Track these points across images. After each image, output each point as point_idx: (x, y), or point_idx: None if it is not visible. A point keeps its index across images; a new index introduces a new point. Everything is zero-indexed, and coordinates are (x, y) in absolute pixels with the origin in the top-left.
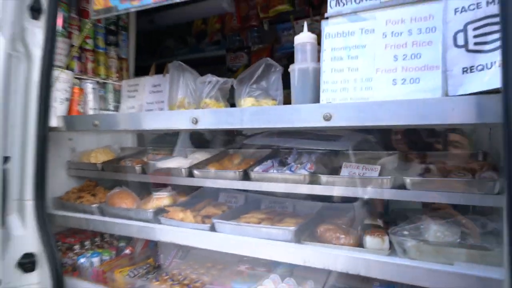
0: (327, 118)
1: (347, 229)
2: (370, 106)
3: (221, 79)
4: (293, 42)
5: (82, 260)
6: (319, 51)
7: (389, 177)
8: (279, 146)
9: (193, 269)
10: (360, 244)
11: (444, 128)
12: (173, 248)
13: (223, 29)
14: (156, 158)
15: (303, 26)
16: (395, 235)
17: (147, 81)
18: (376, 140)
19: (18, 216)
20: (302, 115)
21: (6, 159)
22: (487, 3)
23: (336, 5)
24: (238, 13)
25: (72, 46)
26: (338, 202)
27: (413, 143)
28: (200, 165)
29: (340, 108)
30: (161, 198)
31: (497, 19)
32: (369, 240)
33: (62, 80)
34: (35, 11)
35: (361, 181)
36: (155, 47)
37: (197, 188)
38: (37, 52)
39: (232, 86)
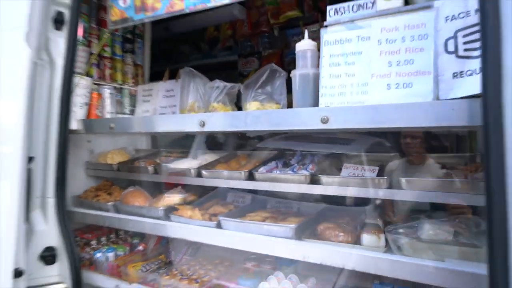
0: (325, 121)
1: (346, 228)
2: (364, 110)
3: (229, 84)
4: None
5: (98, 254)
6: (319, 57)
7: (385, 177)
8: (291, 149)
9: (201, 265)
10: (358, 241)
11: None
12: (184, 245)
13: (235, 35)
14: (168, 159)
15: (312, 31)
16: (390, 233)
17: (161, 86)
18: (390, 144)
19: (41, 212)
20: (301, 118)
21: (30, 159)
22: (476, 11)
23: (334, 14)
24: (249, 20)
25: (91, 54)
26: (342, 203)
27: (430, 146)
28: (209, 166)
29: (336, 112)
30: (172, 197)
31: None
32: (366, 237)
33: (82, 86)
34: (58, 23)
35: (359, 181)
36: (170, 53)
37: (206, 187)
38: (60, 60)
39: (239, 90)
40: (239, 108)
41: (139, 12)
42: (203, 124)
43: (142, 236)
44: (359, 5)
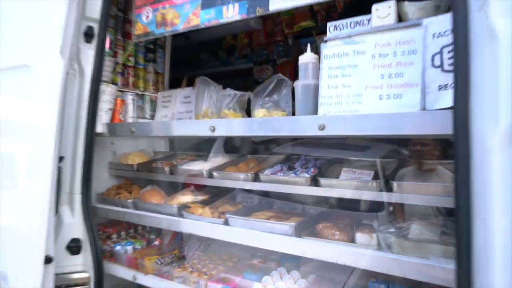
0: (321, 128)
1: (343, 227)
2: (357, 118)
3: (239, 93)
4: None
5: (118, 247)
6: (319, 69)
7: (379, 180)
8: (306, 155)
9: (211, 260)
10: (352, 240)
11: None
12: (196, 242)
13: (251, 44)
14: (183, 161)
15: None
16: (381, 232)
17: (179, 93)
18: (406, 151)
19: (68, 207)
20: (300, 125)
21: (61, 159)
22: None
23: (334, 30)
24: (265, 29)
25: (116, 63)
26: (345, 206)
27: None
28: (219, 168)
29: (332, 120)
30: (185, 196)
31: None
32: (359, 236)
33: (107, 93)
34: (88, 36)
35: (354, 184)
36: (190, 60)
37: (217, 187)
38: (88, 69)
39: (249, 98)
40: (249, 114)
41: (159, 27)
42: (213, 129)
43: (158, 232)
44: (356, 22)
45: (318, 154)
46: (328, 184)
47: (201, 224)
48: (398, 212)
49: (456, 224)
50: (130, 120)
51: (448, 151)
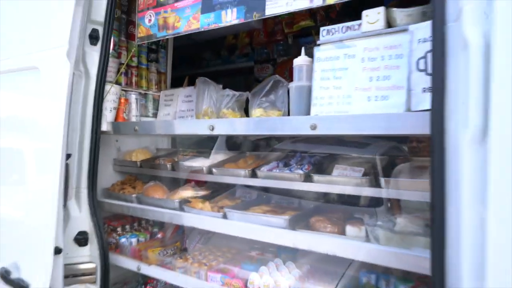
0: (313, 127)
1: (335, 221)
2: (346, 119)
3: (237, 93)
4: None
5: (123, 240)
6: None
7: (367, 177)
8: (302, 152)
9: (211, 252)
10: (343, 232)
11: None
12: (197, 235)
13: (252, 43)
14: (185, 158)
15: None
16: (369, 225)
17: (181, 92)
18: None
19: (76, 201)
20: (293, 125)
21: (68, 156)
22: None
23: (326, 34)
24: (265, 29)
25: (120, 64)
26: (340, 201)
27: None
28: (219, 164)
29: (323, 120)
30: (186, 191)
31: None
32: (349, 229)
33: (112, 92)
34: (93, 39)
35: (345, 180)
36: (193, 59)
37: (217, 183)
38: (94, 71)
39: (247, 98)
40: (247, 113)
41: (161, 30)
42: (212, 128)
43: (161, 226)
44: (348, 27)
45: (317, 151)
46: (320, 180)
47: (201, 218)
48: (395, 207)
49: (431, 215)
50: (133, 119)
51: None
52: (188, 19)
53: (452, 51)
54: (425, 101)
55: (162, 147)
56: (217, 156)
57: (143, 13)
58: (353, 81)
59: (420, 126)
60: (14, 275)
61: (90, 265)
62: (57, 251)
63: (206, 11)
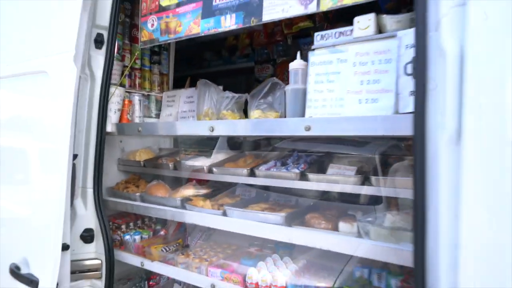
0: (307, 129)
1: (329, 217)
2: (338, 120)
3: (236, 95)
4: None
5: (127, 237)
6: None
7: (359, 176)
8: (299, 152)
9: (212, 248)
10: (336, 228)
11: None
12: (198, 232)
13: (252, 44)
14: (186, 157)
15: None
16: (361, 221)
17: (182, 93)
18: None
19: (82, 200)
20: (289, 126)
21: (74, 156)
22: None
23: (320, 39)
24: (265, 30)
25: (124, 66)
26: (336, 198)
27: None
28: (219, 164)
29: (316, 121)
30: (187, 190)
31: None
32: (341, 225)
33: (116, 94)
34: (98, 43)
35: (338, 179)
36: (194, 59)
37: (218, 181)
38: (99, 74)
39: (246, 100)
40: (247, 114)
41: (164, 34)
42: (212, 129)
43: (164, 223)
44: (340, 32)
45: (317, 149)
46: (315, 179)
47: (202, 215)
48: (387, 204)
49: (414, 211)
50: (137, 119)
51: None
52: (189, 24)
53: (432, 58)
54: (411, 104)
55: (165, 146)
56: (218, 156)
57: (146, 17)
58: (345, 85)
59: (407, 128)
60: (24, 271)
61: (96, 261)
62: (65, 247)
63: (206, 17)
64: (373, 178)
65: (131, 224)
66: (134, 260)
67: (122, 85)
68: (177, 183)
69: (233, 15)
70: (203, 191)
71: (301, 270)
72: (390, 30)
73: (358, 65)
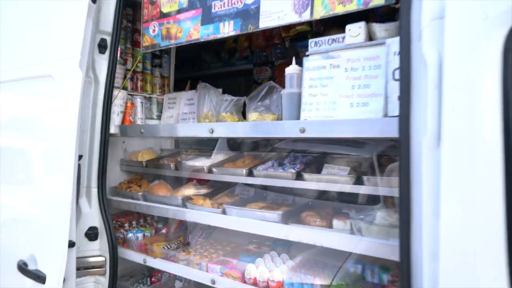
0: (302, 131)
1: (324, 215)
2: (331, 123)
3: (235, 98)
4: None
5: (130, 235)
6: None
7: (352, 175)
8: (296, 152)
9: (212, 246)
10: (330, 226)
11: None
12: (199, 230)
13: (251, 46)
14: (187, 158)
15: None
16: (353, 219)
17: (183, 96)
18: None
19: (86, 199)
20: (284, 128)
21: (80, 157)
22: None
23: (314, 46)
24: (264, 33)
25: (127, 70)
26: (332, 197)
27: None
28: (218, 164)
29: (310, 124)
30: (188, 189)
31: None
32: (335, 222)
33: (119, 97)
34: (102, 48)
35: (331, 178)
36: (194, 61)
37: (217, 181)
38: (102, 77)
39: (244, 102)
40: (245, 116)
41: (165, 39)
42: (212, 131)
43: (165, 222)
44: (333, 39)
45: (316, 149)
46: (310, 179)
47: (202, 214)
48: (384, 203)
49: (400, 209)
50: (139, 121)
51: None
52: (189, 30)
53: (416, 67)
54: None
55: (166, 147)
56: (217, 156)
57: (148, 23)
58: (337, 89)
59: (395, 130)
60: (31, 267)
61: (100, 258)
62: (71, 244)
63: (205, 23)
64: (364, 178)
65: (134, 222)
66: (136, 257)
67: (124, 88)
68: (178, 183)
69: (231, 22)
70: (203, 190)
71: (297, 266)
72: (379, 37)
73: (349, 71)
